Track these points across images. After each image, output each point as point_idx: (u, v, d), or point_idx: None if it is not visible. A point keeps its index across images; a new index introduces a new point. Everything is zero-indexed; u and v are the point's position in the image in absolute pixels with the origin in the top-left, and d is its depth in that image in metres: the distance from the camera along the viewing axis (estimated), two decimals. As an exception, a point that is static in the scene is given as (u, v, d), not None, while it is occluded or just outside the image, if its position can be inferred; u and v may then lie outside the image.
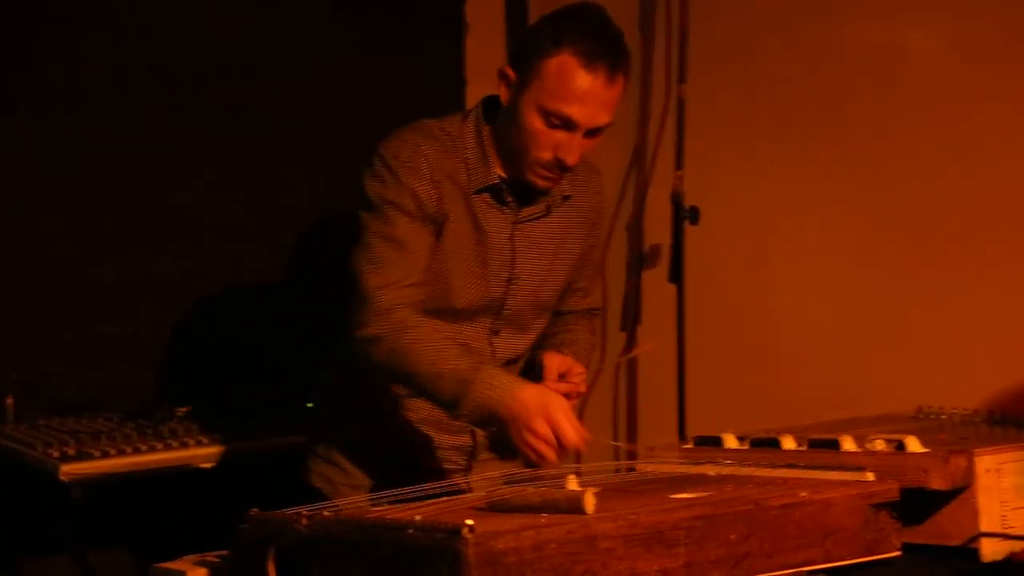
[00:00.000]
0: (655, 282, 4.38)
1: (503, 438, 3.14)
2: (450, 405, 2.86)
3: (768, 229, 4.20)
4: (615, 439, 4.55)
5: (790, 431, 2.76)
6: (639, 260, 4.51)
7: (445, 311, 3.02)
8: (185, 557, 2.44)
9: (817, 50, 4.09)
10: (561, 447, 2.76)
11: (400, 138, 3.01)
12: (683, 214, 4.16)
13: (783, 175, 4.16)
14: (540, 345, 3.21)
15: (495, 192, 3.02)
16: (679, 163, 4.20)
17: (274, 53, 4.35)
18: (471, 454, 3.16)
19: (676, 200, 4.17)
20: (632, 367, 4.54)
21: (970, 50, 3.79)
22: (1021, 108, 3.67)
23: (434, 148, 2.99)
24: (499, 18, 4.74)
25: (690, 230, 4.17)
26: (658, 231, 4.35)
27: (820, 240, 4.07)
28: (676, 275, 4.19)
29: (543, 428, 2.75)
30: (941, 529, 2.51)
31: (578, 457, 4.00)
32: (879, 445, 2.57)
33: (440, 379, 2.85)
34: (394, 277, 2.93)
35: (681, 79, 4.24)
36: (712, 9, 4.29)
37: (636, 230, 4.52)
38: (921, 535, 2.51)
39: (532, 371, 3.07)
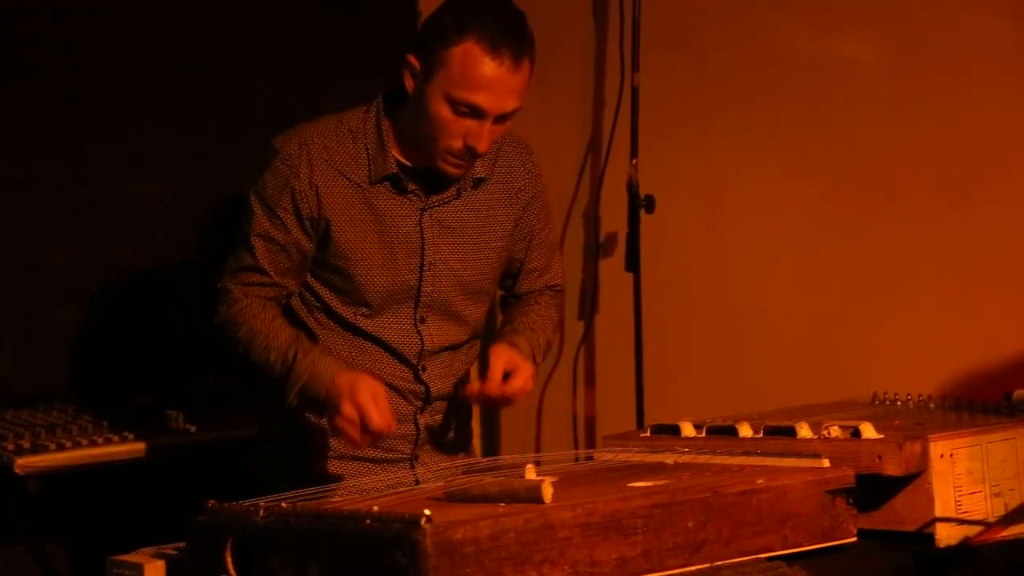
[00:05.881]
0: (612, 271, 4.38)
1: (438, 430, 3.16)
2: (282, 390, 2.97)
3: (723, 217, 4.20)
4: (573, 428, 4.55)
5: (747, 419, 2.77)
6: (595, 249, 4.51)
7: (360, 305, 3.05)
8: (142, 549, 2.44)
9: (770, 39, 4.09)
10: (369, 430, 2.84)
11: (289, 135, 3.06)
12: (638, 203, 4.16)
13: (737, 163, 4.17)
14: (500, 329, 3.21)
15: (394, 181, 3.03)
16: (634, 152, 4.20)
17: (226, 37, 4.32)
18: (415, 443, 3.16)
19: (631, 189, 4.18)
20: (589, 354, 4.55)
21: (925, 34, 3.81)
22: (972, 102, 3.69)
23: (323, 144, 3.02)
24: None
25: (646, 219, 4.17)
26: (614, 220, 4.35)
27: (776, 227, 4.08)
28: (633, 264, 4.19)
29: (349, 410, 2.84)
30: (896, 515, 2.52)
31: (537, 445, 4.01)
32: (835, 432, 2.58)
33: (271, 367, 2.98)
34: (242, 276, 3.05)
35: (635, 68, 4.23)
36: (665, -3, 4.30)
37: (592, 219, 4.52)
38: (877, 521, 2.53)
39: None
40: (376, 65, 4.56)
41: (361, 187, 3.01)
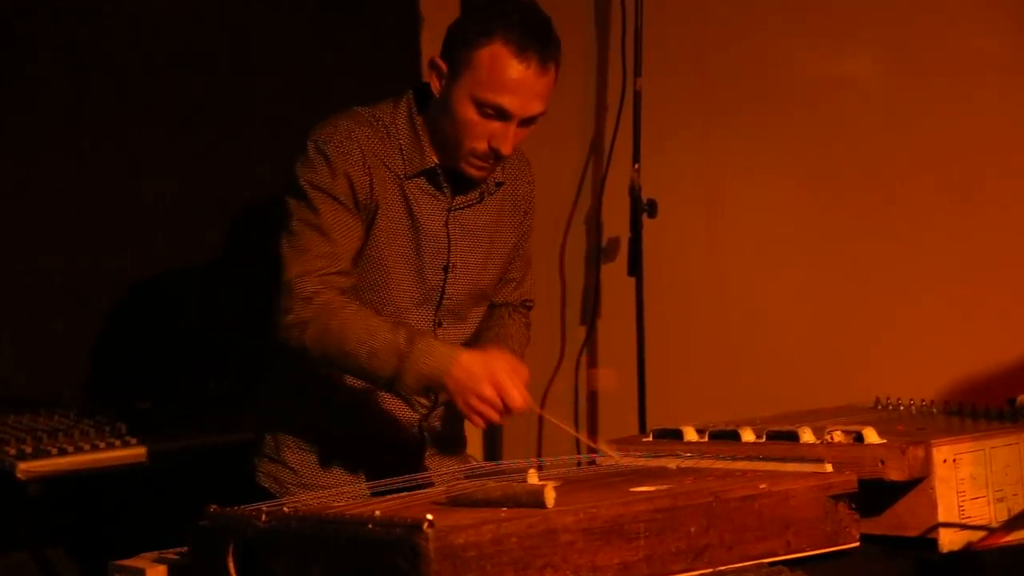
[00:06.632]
0: (614, 275, 4.38)
1: (450, 413, 3.13)
2: (390, 380, 2.86)
3: (725, 221, 4.20)
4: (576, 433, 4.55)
5: (749, 423, 2.77)
6: (597, 254, 4.51)
7: (386, 304, 3.02)
8: (144, 554, 2.44)
9: (772, 45, 4.09)
10: (507, 410, 2.79)
11: (332, 124, 3.01)
12: (641, 207, 4.17)
13: (739, 167, 4.17)
14: (475, 339, 3.20)
15: (431, 176, 3.02)
16: (636, 156, 4.20)
17: (227, 44, 4.32)
18: (419, 449, 3.15)
19: (634, 193, 4.18)
20: (591, 359, 4.54)
21: (924, 39, 3.81)
22: (972, 104, 3.69)
23: (366, 133, 2.99)
24: (454, 11, 4.73)
25: (648, 223, 4.18)
26: (616, 224, 4.35)
27: (778, 232, 4.08)
28: (635, 268, 4.19)
29: (490, 392, 2.78)
30: (899, 520, 2.52)
31: (539, 449, 3.99)
32: (837, 437, 2.58)
33: (375, 356, 2.85)
34: (318, 264, 2.93)
35: (637, 73, 4.24)
36: (666, 2, 4.30)
37: (594, 224, 4.52)
38: (880, 526, 2.52)
39: None
40: (376, 65, 4.56)
41: (400, 178, 3.01)
